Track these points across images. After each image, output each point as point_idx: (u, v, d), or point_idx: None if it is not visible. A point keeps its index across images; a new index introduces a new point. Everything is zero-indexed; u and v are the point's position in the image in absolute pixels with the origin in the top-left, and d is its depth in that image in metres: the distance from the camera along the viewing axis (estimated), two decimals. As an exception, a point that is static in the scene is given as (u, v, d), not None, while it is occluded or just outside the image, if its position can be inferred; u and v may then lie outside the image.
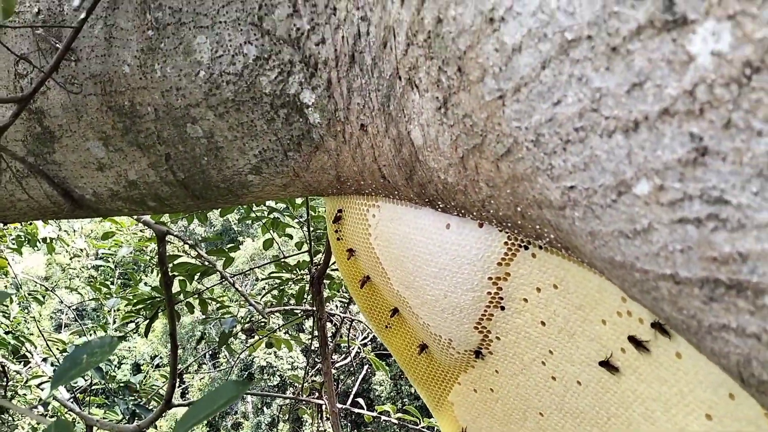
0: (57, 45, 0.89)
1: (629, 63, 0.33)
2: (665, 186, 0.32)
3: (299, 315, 2.00)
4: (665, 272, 0.35)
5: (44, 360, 2.46)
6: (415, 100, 0.58)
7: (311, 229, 1.61)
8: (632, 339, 0.59)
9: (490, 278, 0.71)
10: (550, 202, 0.45)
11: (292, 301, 1.98)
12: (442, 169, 0.61)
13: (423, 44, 0.52)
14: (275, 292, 1.97)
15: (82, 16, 0.80)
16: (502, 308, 0.73)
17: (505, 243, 0.68)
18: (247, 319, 2.00)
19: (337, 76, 0.69)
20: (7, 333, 2.42)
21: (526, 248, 0.67)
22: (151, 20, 0.81)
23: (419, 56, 0.54)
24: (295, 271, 1.85)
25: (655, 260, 0.35)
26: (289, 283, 1.87)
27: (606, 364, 0.65)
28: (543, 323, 0.70)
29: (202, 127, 0.82)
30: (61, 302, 3.15)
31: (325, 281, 1.87)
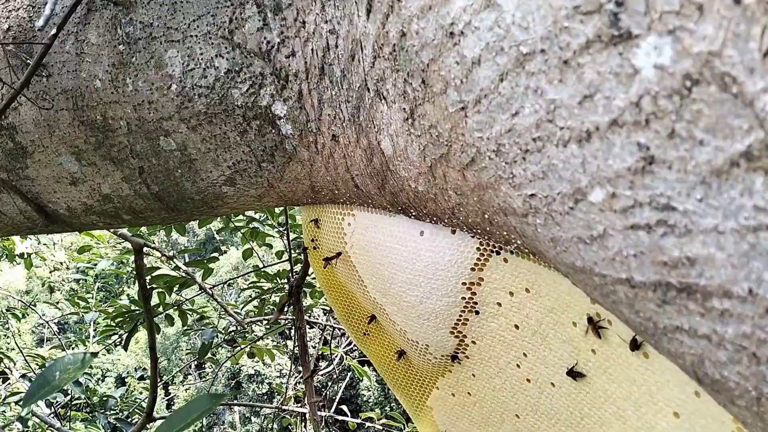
0: (28, 61, 0.88)
1: (580, 76, 0.34)
2: (617, 193, 0.34)
3: (280, 324, 2.00)
4: (621, 276, 0.36)
5: (23, 376, 2.42)
6: (384, 111, 0.59)
7: (291, 237, 1.61)
8: (591, 320, 0.60)
9: (464, 283, 0.72)
10: (513, 209, 0.46)
11: (274, 311, 1.98)
12: (413, 178, 0.62)
13: (389, 57, 0.53)
14: (256, 302, 1.96)
15: (53, 32, 0.80)
16: (477, 312, 0.74)
17: (478, 248, 0.69)
18: (229, 330, 1.99)
19: (307, 88, 0.70)
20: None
21: (498, 253, 0.69)
22: (122, 35, 0.81)
23: (386, 68, 0.55)
24: (276, 280, 1.85)
25: (611, 265, 0.36)
26: (271, 292, 1.87)
27: (572, 373, 0.66)
28: (516, 326, 0.71)
29: (175, 140, 0.82)
30: (42, 317, 3.11)
31: (306, 290, 1.87)
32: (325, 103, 0.69)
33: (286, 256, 1.71)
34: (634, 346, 0.56)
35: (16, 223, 1.03)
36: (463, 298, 0.74)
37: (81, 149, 0.88)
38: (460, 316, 0.76)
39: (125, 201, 0.93)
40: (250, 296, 1.88)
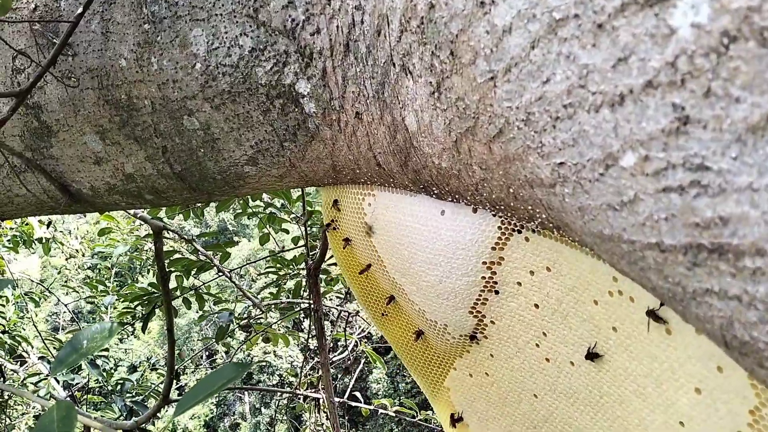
0: (54, 40, 0.89)
1: (614, 39, 0.34)
2: (650, 156, 0.34)
3: (296, 309, 2.01)
4: (651, 241, 0.36)
5: (41, 359, 2.45)
6: (409, 86, 0.59)
7: (308, 223, 1.62)
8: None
9: (484, 263, 0.73)
10: (540, 180, 0.46)
11: (289, 296, 2.00)
12: (436, 154, 0.62)
13: (416, 30, 0.54)
14: (273, 288, 1.98)
15: (79, 11, 0.81)
16: (497, 292, 0.75)
17: (499, 227, 0.70)
18: (244, 316, 2.00)
19: (332, 66, 0.70)
20: (3, 333, 2.41)
21: (519, 232, 0.69)
22: (148, 14, 0.82)
23: (412, 42, 0.55)
24: (291, 266, 1.86)
25: (641, 230, 0.37)
26: (286, 278, 1.88)
27: (590, 355, 0.66)
28: (536, 306, 0.72)
29: (198, 119, 0.83)
30: (58, 301, 3.15)
31: (321, 276, 1.88)
32: (350, 80, 0.69)
33: (302, 243, 1.72)
34: (656, 318, 0.56)
35: (40, 202, 1.05)
36: (483, 278, 0.74)
37: (105, 128, 0.89)
38: (480, 295, 0.76)
39: (148, 180, 0.94)
40: (266, 283, 1.89)
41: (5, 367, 2.31)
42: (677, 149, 0.32)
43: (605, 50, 0.35)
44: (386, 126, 0.67)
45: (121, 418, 2.02)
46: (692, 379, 0.56)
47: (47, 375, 2.18)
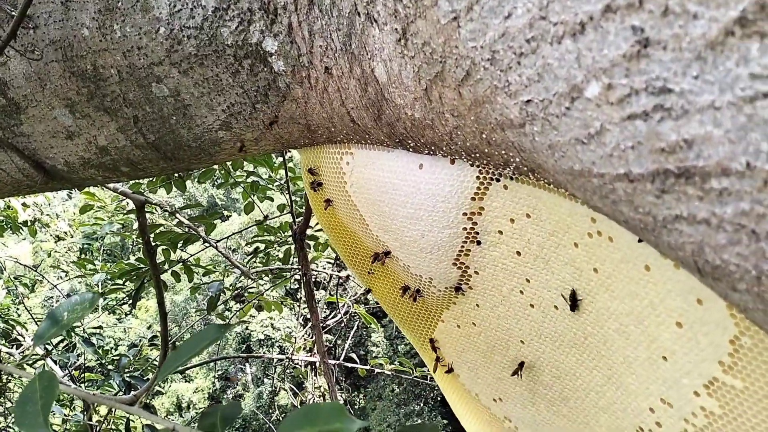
0: (12, 13, 0.87)
1: (572, -36, 0.33)
2: (613, 84, 0.33)
3: (287, 276, 2.01)
4: (619, 172, 0.36)
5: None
6: (376, 35, 0.58)
7: (291, 189, 1.61)
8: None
9: (464, 214, 0.72)
10: (510, 121, 0.45)
11: (279, 264, 2.00)
12: (408, 105, 0.61)
13: (377, -25, 0.52)
14: (262, 255, 1.98)
15: (34, -22, 0.79)
16: (479, 243, 0.75)
17: (477, 177, 0.69)
18: (237, 286, 2.01)
19: (297, 21, 0.69)
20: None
21: (498, 180, 0.68)
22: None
23: (375, -11, 0.54)
24: (279, 234, 1.86)
25: (609, 162, 0.36)
26: (275, 245, 1.88)
27: (574, 299, 0.67)
28: (518, 253, 0.72)
29: (167, 85, 0.81)
30: (53, 286, 3.15)
31: (309, 242, 1.88)
32: (316, 34, 0.67)
33: (287, 210, 1.72)
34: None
35: (16, 181, 1.03)
36: (465, 229, 0.74)
37: (74, 101, 0.87)
38: (462, 246, 0.76)
39: (122, 152, 0.92)
40: (256, 249, 1.89)
41: (0, 351, 2.32)
42: (639, 74, 0.31)
43: (564, -23, 0.34)
44: (356, 79, 0.66)
45: (120, 393, 2.04)
46: (673, 313, 0.57)
47: (42, 356, 2.18)
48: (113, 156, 0.93)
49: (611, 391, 0.70)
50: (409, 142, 0.69)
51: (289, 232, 1.77)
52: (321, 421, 0.35)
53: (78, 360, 2.34)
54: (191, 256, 1.82)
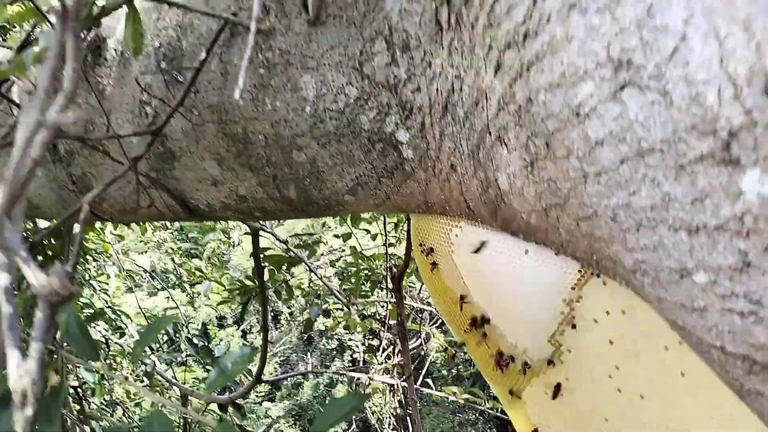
0: (178, 77, 1.01)
1: (693, 180, 0.41)
2: (718, 281, 0.40)
3: (377, 302, 2.14)
4: (716, 344, 0.43)
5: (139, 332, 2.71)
6: (504, 155, 0.67)
7: (386, 221, 1.72)
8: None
9: (564, 300, 0.80)
10: (623, 264, 0.53)
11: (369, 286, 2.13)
12: (526, 213, 0.69)
13: (513, 114, 0.61)
14: (353, 279, 2.12)
15: (203, 56, 0.92)
16: (574, 326, 0.82)
17: (579, 270, 0.76)
18: (324, 303, 2.15)
19: (430, 121, 0.78)
20: (107, 308, 2.68)
21: (598, 276, 0.75)
22: (262, 59, 0.91)
23: (509, 121, 0.62)
24: (371, 261, 1.98)
25: (708, 333, 0.43)
26: (365, 274, 2.00)
27: None
28: (611, 342, 0.78)
29: (306, 153, 0.93)
30: (145, 271, 3.43)
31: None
32: (446, 137, 0.77)
33: (381, 239, 1.84)
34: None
35: (162, 214, 1.19)
36: (562, 313, 0.81)
37: (223, 157, 1.01)
38: (558, 326, 0.83)
39: (259, 202, 1.05)
40: (348, 273, 2.02)
41: (110, 340, 2.58)
42: (740, 283, 0.39)
43: (685, 186, 0.41)
44: (479, 180, 0.75)
45: (215, 392, 2.23)
46: (749, 427, 0.62)
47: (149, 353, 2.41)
48: (250, 204, 1.06)
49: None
50: (520, 234, 0.77)
51: (381, 262, 1.89)
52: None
53: (180, 357, 2.57)
54: (292, 277, 1.98)
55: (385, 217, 1.70)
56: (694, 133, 0.40)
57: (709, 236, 0.40)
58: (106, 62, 1.08)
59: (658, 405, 0.75)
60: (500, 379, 1.01)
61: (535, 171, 0.61)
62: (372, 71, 0.82)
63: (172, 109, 0.93)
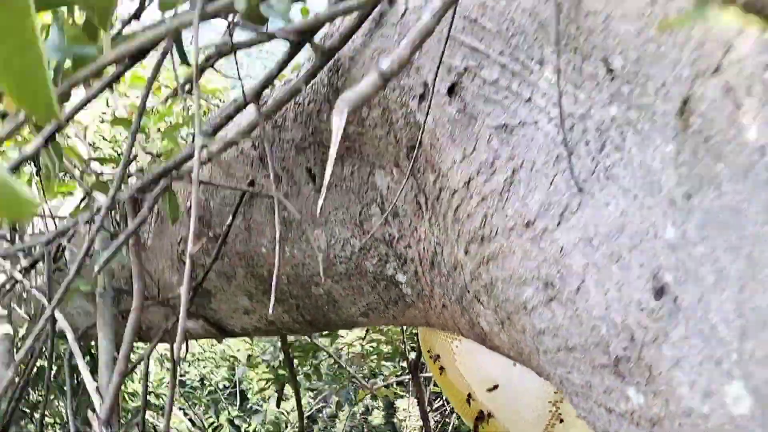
0: (208, 232, 1.19)
1: (602, 378, 0.57)
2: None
3: (400, 376, 2.30)
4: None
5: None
6: (481, 310, 0.83)
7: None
8: None
9: (550, 401, 0.96)
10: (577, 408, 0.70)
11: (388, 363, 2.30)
12: (506, 347, 0.86)
13: (483, 287, 0.78)
14: (374, 356, 2.29)
15: (230, 219, 1.10)
16: (561, 421, 0.98)
17: (558, 380, 0.93)
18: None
19: (422, 270, 0.95)
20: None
21: (574, 384, 0.92)
22: (279, 218, 1.10)
23: (481, 289, 0.79)
24: (388, 334, 2.15)
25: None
26: (384, 355, 2.18)
27: None
28: None
29: (322, 288, 1.11)
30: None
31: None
32: (436, 285, 0.94)
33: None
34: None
35: (201, 335, 1.37)
36: (550, 411, 0.97)
37: (252, 293, 1.18)
38: (548, 421, 0.99)
39: (285, 325, 1.23)
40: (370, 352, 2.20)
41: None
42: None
43: (598, 380, 0.58)
44: (466, 320, 0.92)
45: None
46: None
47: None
48: (278, 326, 1.24)
49: None
50: (508, 357, 0.94)
51: (398, 337, 2.07)
52: None
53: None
54: (320, 361, 2.16)
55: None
56: (597, 348, 0.56)
57: (618, 416, 0.57)
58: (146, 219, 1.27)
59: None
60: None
61: (505, 329, 0.78)
62: (370, 228, 1.00)
63: (209, 264, 1.11)
